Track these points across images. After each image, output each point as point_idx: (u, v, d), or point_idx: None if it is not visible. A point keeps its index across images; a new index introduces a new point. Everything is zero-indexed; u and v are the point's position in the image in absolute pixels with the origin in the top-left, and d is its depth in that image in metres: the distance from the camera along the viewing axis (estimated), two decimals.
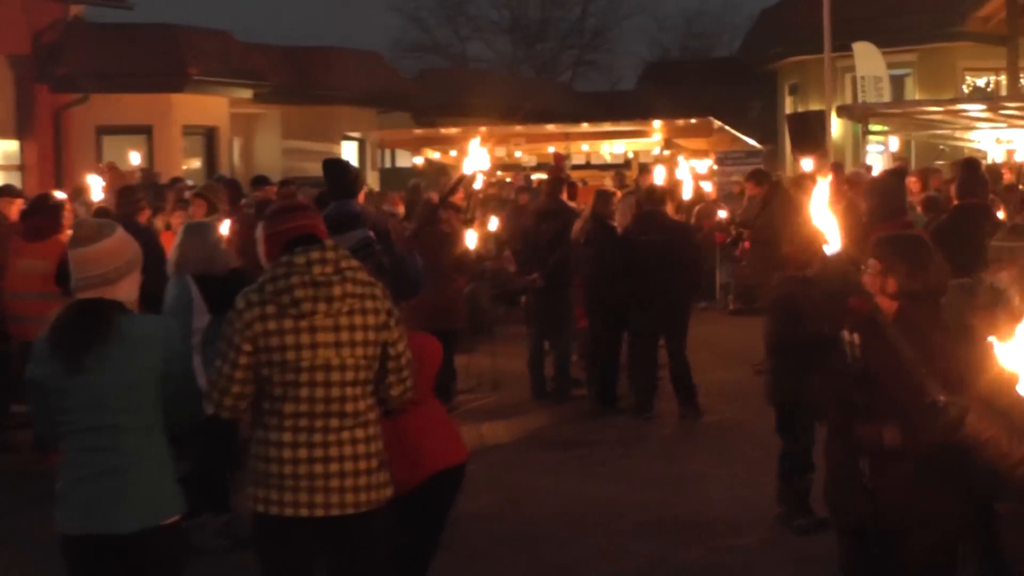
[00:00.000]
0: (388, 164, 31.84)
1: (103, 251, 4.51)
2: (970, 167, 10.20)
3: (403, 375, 4.81)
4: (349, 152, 29.48)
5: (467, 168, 8.06)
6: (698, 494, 8.69)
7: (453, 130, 25.19)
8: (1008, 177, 15.08)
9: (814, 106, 25.96)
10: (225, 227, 8.45)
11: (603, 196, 11.88)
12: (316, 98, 27.89)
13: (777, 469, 7.93)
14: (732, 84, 35.29)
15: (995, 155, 21.85)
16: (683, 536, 7.75)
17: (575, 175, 20.51)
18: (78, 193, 13.34)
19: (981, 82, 27.67)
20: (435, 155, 25.64)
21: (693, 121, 23.66)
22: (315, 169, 22.85)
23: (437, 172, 23.29)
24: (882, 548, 4.75)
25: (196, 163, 24.96)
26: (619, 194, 12.70)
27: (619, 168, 22.78)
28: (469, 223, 11.51)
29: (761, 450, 8.18)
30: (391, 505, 4.83)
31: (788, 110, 29.59)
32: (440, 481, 5.47)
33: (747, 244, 13.29)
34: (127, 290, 4.59)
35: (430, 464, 5.42)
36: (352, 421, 4.61)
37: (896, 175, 10.86)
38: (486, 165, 8.81)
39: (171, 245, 7.74)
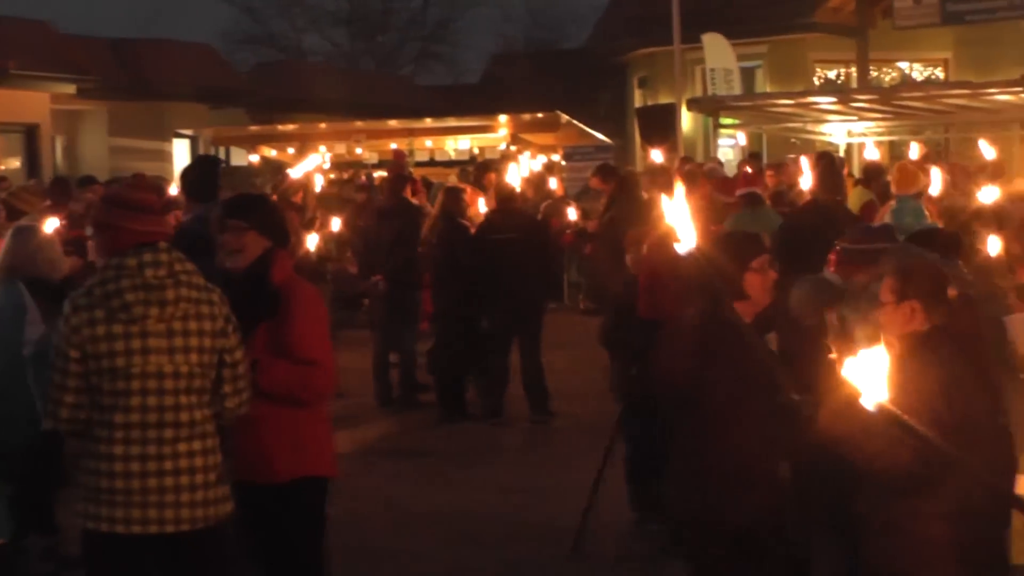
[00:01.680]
0: (216, 162, 30.68)
1: None
2: (825, 162, 10.40)
3: (239, 385, 4.68)
4: (181, 150, 28.88)
5: (296, 173, 7.51)
6: (550, 500, 8.63)
7: (290, 126, 25.05)
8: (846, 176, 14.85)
9: (664, 99, 25.85)
10: (50, 227, 7.88)
11: (453, 193, 11.75)
12: (145, 93, 27.25)
13: (624, 472, 7.88)
14: (580, 77, 35.08)
15: (852, 148, 21.90)
16: (535, 543, 7.77)
17: (418, 172, 20.04)
18: None
19: (831, 74, 27.78)
20: (272, 153, 24.97)
21: (540, 115, 23.61)
22: (146, 168, 22.39)
23: (274, 171, 22.40)
24: (755, 550, 4.83)
25: (16, 163, 23.92)
26: (470, 191, 12.51)
27: (464, 165, 22.18)
28: (309, 224, 11.05)
29: (615, 453, 8.04)
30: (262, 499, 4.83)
31: (638, 103, 29.46)
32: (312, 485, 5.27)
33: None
34: None
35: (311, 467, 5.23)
36: (187, 432, 4.49)
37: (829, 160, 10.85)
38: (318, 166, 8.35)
39: None
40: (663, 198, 3.65)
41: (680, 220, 3.57)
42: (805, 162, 11.12)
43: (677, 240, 3.62)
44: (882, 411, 2.94)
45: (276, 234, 5.25)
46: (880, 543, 4.31)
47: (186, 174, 8.31)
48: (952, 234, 6.62)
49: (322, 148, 21.96)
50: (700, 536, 5.01)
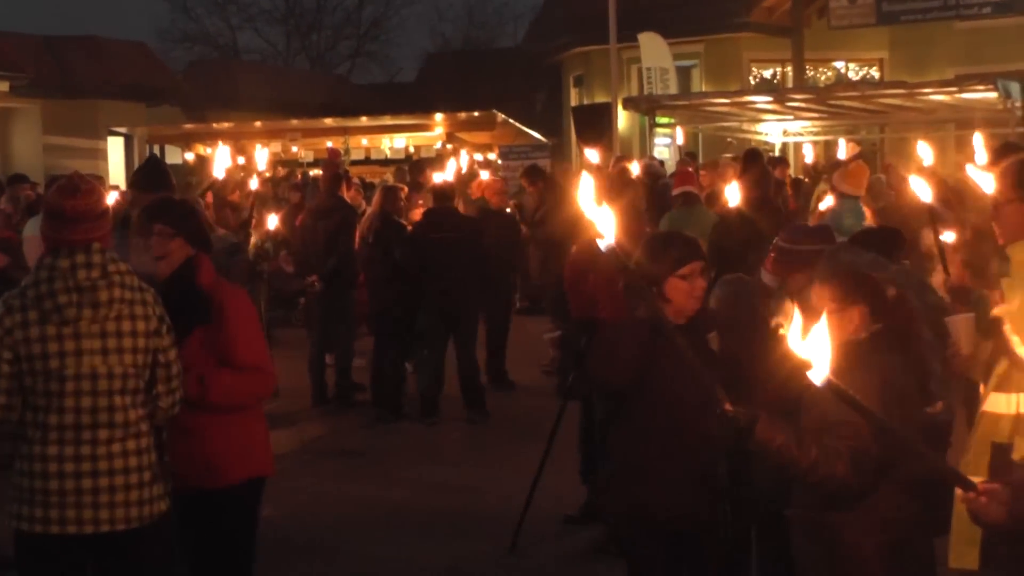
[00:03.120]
0: (159, 161, 30.39)
1: None
2: (752, 160, 10.41)
3: (172, 385, 4.65)
4: (115, 148, 28.55)
5: (217, 172, 7.39)
6: (486, 497, 8.63)
7: (225, 124, 24.70)
8: (781, 174, 14.89)
9: (600, 98, 25.85)
10: None
11: (390, 192, 11.58)
12: (78, 91, 27.11)
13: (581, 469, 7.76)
14: (516, 76, 35.08)
15: (788, 148, 22.02)
16: (474, 541, 7.72)
17: (354, 171, 19.93)
18: None
19: (768, 73, 27.96)
20: (207, 151, 24.53)
21: (476, 114, 23.80)
22: (80, 166, 22.06)
23: (208, 169, 22.20)
24: (690, 548, 4.86)
25: None
26: (405, 190, 12.40)
27: (400, 163, 22.08)
28: (246, 223, 10.66)
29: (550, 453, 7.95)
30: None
31: (574, 102, 29.42)
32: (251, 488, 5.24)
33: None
34: None
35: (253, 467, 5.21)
36: (122, 432, 4.47)
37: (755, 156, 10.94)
38: (263, 163, 8.27)
39: None
40: (588, 198, 3.54)
41: (604, 221, 3.48)
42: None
43: (600, 241, 3.50)
44: (829, 385, 2.89)
45: (200, 240, 5.20)
46: (808, 548, 4.33)
47: (140, 169, 8.27)
48: (894, 232, 6.60)
49: (257, 146, 21.81)
50: (635, 533, 4.98)
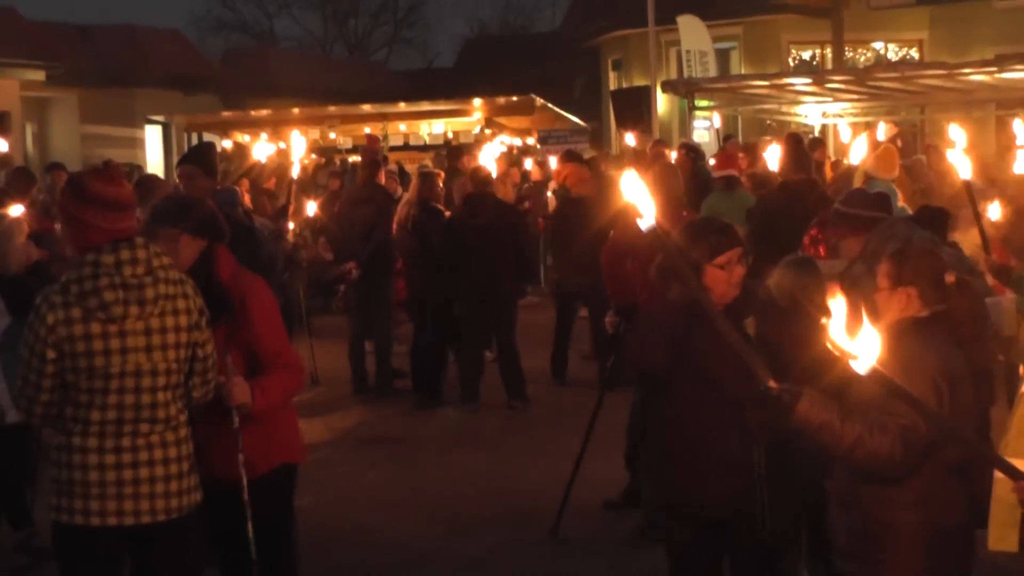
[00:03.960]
0: (215, 148, 30.56)
1: None
2: (793, 143, 10.40)
3: (208, 377, 4.65)
4: (153, 137, 28.48)
5: (258, 155, 7.34)
6: (526, 486, 8.57)
7: (263, 112, 24.70)
8: (821, 156, 14.85)
9: (638, 81, 25.73)
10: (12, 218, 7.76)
11: (428, 178, 11.51)
12: (115, 80, 27.08)
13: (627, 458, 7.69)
14: (554, 60, 34.99)
15: (827, 129, 21.86)
16: (515, 528, 7.70)
17: (393, 157, 19.88)
18: None
19: (806, 55, 27.72)
20: (245, 138, 24.70)
21: (514, 99, 23.60)
22: (118, 155, 22.21)
23: (246, 156, 22.25)
24: (730, 537, 4.84)
25: None
26: (442, 175, 12.47)
27: (438, 149, 22.07)
28: (284, 210, 10.71)
29: (590, 439, 7.91)
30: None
31: (612, 86, 29.30)
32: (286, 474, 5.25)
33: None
34: None
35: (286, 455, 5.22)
36: (163, 426, 4.45)
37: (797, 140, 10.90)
38: (301, 150, 8.27)
39: None
40: (628, 183, 3.51)
41: (645, 204, 3.45)
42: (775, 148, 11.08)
43: (641, 225, 3.48)
44: (874, 375, 2.86)
45: (211, 231, 5.09)
46: (844, 522, 4.30)
47: (195, 152, 8.24)
48: (941, 211, 6.56)
49: (295, 133, 21.84)
50: (672, 520, 4.97)
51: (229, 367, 4.80)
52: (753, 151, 14.95)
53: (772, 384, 3.73)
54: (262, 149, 8.21)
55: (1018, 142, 7.75)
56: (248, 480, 4.93)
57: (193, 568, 4.69)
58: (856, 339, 2.86)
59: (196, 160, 7.66)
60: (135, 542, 4.51)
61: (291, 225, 10.77)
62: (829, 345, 2.97)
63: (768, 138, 18.97)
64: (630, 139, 15.61)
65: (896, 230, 5.46)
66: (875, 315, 4.14)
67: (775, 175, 11.07)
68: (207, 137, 28.05)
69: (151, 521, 4.44)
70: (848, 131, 18.17)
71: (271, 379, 4.99)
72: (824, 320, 3.01)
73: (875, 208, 5.75)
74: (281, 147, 18.87)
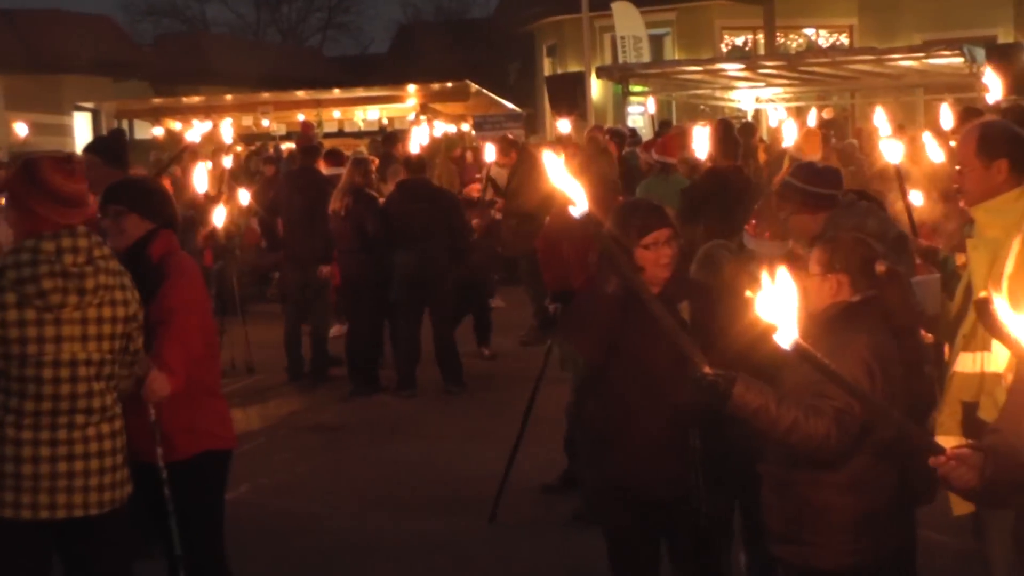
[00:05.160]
0: (126, 136, 30.21)
1: None
2: (723, 129, 10.42)
3: (133, 369, 4.61)
4: (82, 124, 27.99)
5: (193, 137, 7.32)
6: (465, 472, 8.57)
7: (195, 99, 24.38)
8: (753, 141, 15.02)
9: (573, 67, 25.83)
10: None
11: (361, 164, 11.37)
12: (41, 66, 26.57)
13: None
14: (489, 46, 34.91)
15: (760, 114, 22.06)
16: (452, 514, 7.70)
17: (327, 143, 19.72)
18: None
19: (739, 41, 27.90)
20: (177, 126, 24.42)
21: (449, 85, 23.70)
22: (45, 144, 21.85)
23: (178, 144, 22.03)
24: (666, 519, 4.85)
25: None
26: (375, 162, 12.48)
27: (373, 135, 22.01)
28: (216, 198, 10.99)
29: (528, 424, 7.95)
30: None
31: (547, 72, 29.38)
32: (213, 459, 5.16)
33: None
34: None
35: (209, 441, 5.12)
36: (99, 417, 4.39)
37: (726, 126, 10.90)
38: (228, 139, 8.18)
39: None
40: (559, 169, 3.50)
41: (576, 190, 3.45)
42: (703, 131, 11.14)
43: (573, 208, 3.45)
44: (798, 350, 2.88)
45: (159, 215, 5.08)
46: (778, 505, 4.33)
47: (97, 145, 8.09)
48: (865, 195, 6.62)
49: (226, 121, 21.70)
50: (608, 503, 4.97)
51: (145, 361, 4.68)
52: (681, 136, 15.06)
53: (707, 370, 3.73)
54: (196, 130, 8.15)
55: (943, 125, 7.87)
56: (171, 467, 4.86)
57: (124, 561, 4.65)
58: (779, 312, 2.87)
59: (96, 149, 7.63)
60: (65, 535, 4.44)
61: (225, 213, 10.75)
62: (754, 320, 2.97)
63: (700, 123, 19.12)
64: (563, 125, 15.63)
65: (844, 220, 5.43)
66: (808, 300, 4.20)
67: (701, 161, 11.13)
68: (138, 124, 27.78)
69: (83, 515, 4.37)
70: (780, 116, 18.37)
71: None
72: (749, 295, 3.03)
73: (831, 185, 5.72)
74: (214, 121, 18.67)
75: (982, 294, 4.37)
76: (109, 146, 7.73)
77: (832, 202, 5.66)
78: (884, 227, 5.62)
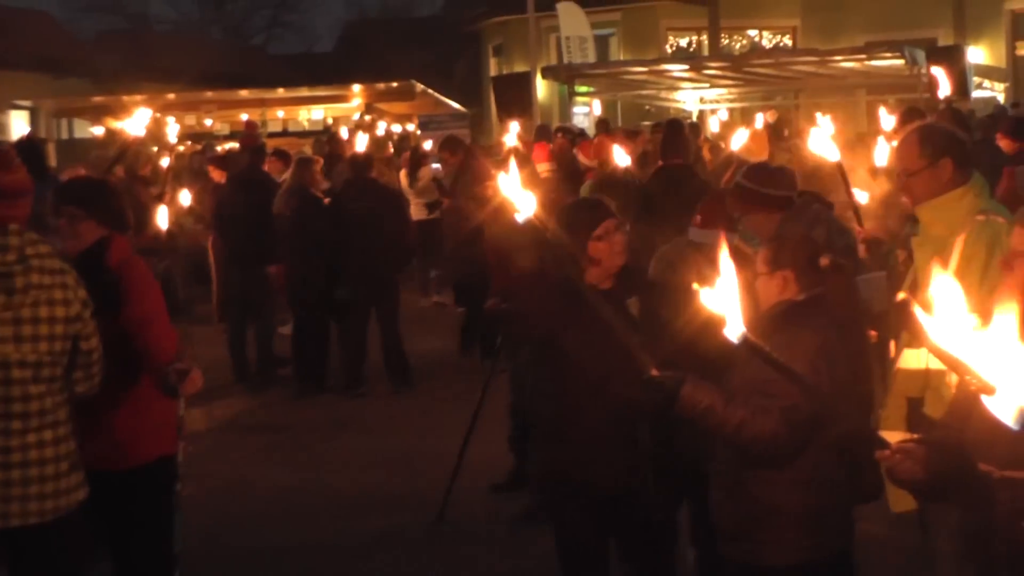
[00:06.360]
0: (65, 135, 29.81)
1: None
2: (672, 128, 10.47)
3: (92, 371, 4.48)
4: (19, 123, 27.63)
5: (136, 130, 7.20)
6: (413, 468, 8.62)
7: (137, 97, 24.08)
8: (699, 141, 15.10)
9: (519, 67, 25.84)
10: None
11: (305, 164, 11.40)
12: None
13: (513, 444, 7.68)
14: (435, 45, 34.86)
15: (704, 115, 22.16)
16: (401, 514, 7.69)
17: (271, 143, 19.62)
18: None
19: (684, 42, 28.03)
20: (118, 124, 24.02)
21: (395, 84, 23.70)
22: None
23: (119, 141, 21.78)
24: (615, 514, 4.86)
25: None
26: (320, 162, 12.21)
27: (318, 135, 21.90)
28: (159, 198, 10.49)
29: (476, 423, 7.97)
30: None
31: (493, 71, 29.40)
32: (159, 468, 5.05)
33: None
34: None
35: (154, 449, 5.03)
36: (37, 422, 4.25)
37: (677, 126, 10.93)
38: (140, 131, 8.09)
39: None
40: (500, 172, 3.51)
41: (518, 192, 3.45)
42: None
43: (515, 212, 3.46)
44: (745, 342, 2.89)
45: (115, 220, 4.96)
46: (727, 503, 4.36)
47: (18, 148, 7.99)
48: (818, 196, 6.66)
49: (169, 119, 21.47)
50: (558, 498, 4.99)
51: (187, 354, 4.72)
52: (633, 138, 15.07)
53: (654, 372, 3.77)
54: (137, 121, 7.98)
55: (883, 126, 7.97)
56: (127, 472, 4.81)
57: (71, 570, 4.51)
58: (726, 306, 2.88)
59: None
60: (8, 546, 4.31)
61: (166, 212, 10.63)
62: (700, 311, 2.97)
63: (648, 123, 19.20)
64: (511, 139, 15.53)
65: (793, 226, 5.44)
66: (756, 298, 4.24)
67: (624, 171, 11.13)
68: (78, 123, 27.42)
69: (21, 524, 4.23)
70: (725, 116, 18.47)
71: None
72: (696, 287, 3.04)
73: (784, 187, 5.67)
74: (156, 118, 18.39)
75: (901, 296, 4.45)
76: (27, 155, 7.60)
77: (787, 203, 5.65)
78: (832, 238, 5.62)
